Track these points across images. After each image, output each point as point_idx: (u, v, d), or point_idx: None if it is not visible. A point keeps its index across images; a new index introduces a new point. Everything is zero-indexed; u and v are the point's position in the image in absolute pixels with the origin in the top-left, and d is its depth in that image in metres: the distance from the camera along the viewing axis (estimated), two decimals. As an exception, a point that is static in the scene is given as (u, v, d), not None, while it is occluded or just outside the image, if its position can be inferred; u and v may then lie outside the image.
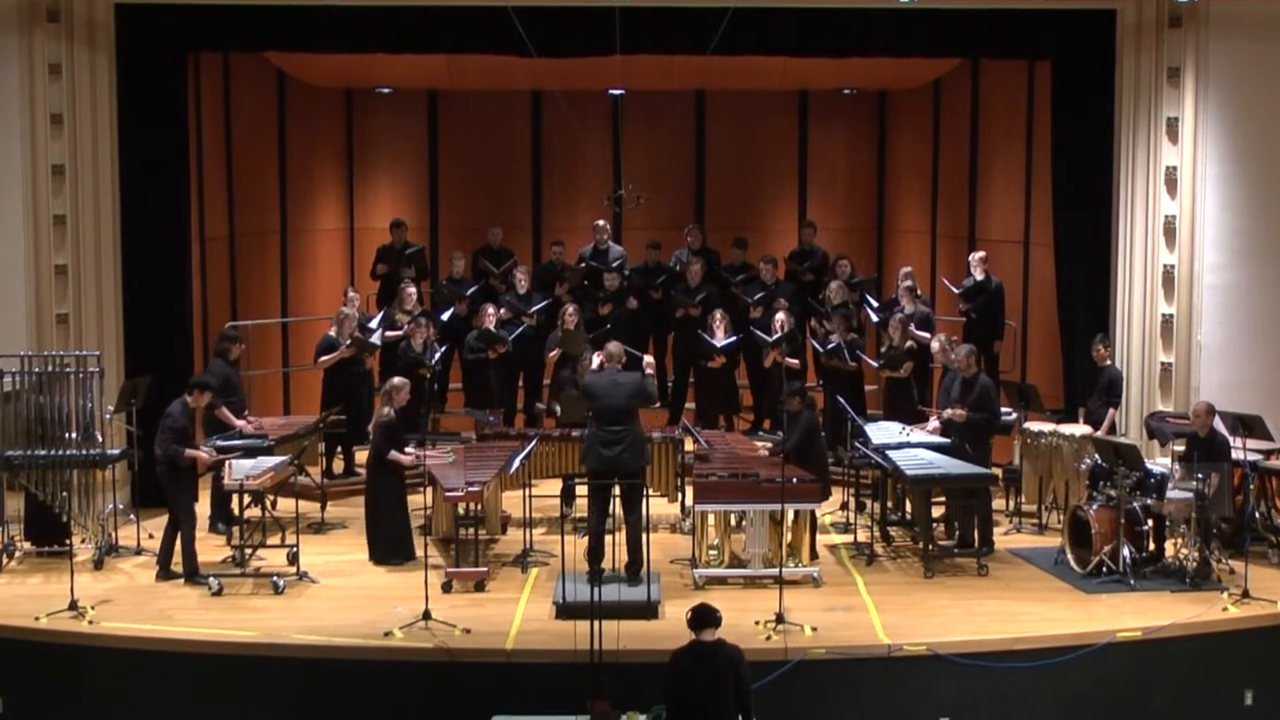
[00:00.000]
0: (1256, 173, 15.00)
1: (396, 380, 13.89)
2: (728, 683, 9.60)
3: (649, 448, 13.50)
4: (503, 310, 16.90)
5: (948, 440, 14.20)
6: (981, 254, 16.93)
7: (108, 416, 14.00)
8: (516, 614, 12.28)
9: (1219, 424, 13.28)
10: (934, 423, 14.62)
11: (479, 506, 13.49)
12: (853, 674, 11.43)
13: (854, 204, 20.56)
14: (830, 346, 16.18)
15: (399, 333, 16.42)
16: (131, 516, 14.30)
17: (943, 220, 19.38)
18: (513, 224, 19.50)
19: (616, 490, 12.80)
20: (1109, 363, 14.92)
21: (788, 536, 13.14)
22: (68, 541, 13.40)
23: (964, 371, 14.28)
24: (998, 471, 14.82)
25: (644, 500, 12.73)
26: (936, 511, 14.18)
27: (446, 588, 12.81)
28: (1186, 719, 11.89)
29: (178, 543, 13.13)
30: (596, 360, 14.08)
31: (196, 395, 13.48)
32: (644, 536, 12.71)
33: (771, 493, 12.78)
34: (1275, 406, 14.33)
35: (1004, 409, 15.33)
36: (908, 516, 14.61)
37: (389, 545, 13.64)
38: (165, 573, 13.15)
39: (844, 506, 15.18)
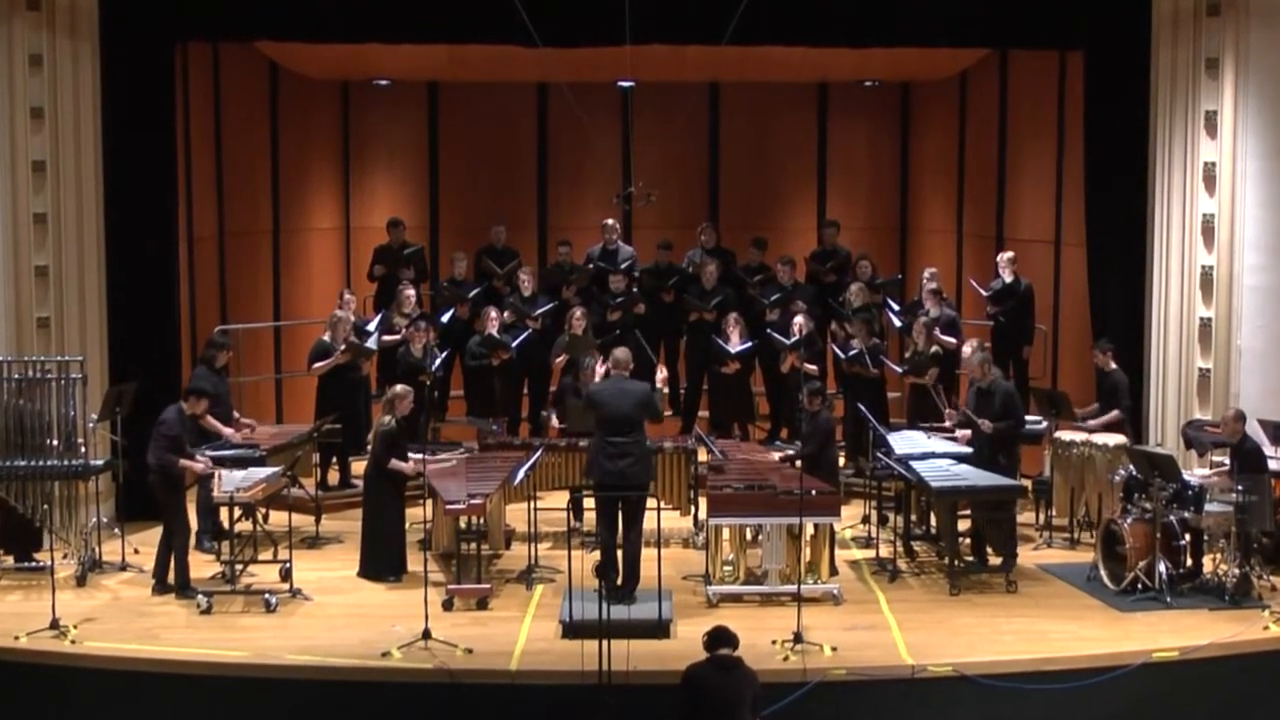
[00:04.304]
0: (1300, 169, 15.00)
1: (399, 388, 13.91)
2: (747, 698, 9.69)
3: (655, 461, 13.51)
4: (506, 314, 16.92)
5: (972, 450, 14.22)
6: (1010, 254, 16.97)
7: (91, 425, 14.02)
8: (521, 633, 12.31)
9: (1257, 430, 13.27)
10: (965, 431, 14.61)
11: (481, 520, 13.51)
12: (874, 696, 11.44)
13: (876, 202, 20.58)
14: (852, 353, 16.19)
15: (397, 337, 16.47)
16: (116, 530, 14.33)
17: (969, 219, 19.40)
18: (517, 222, 19.53)
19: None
20: (1114, 367, 14.95)
21: (806, 551, 13.17)
22: (34, 557, 13.53)
23: (979, 380, 14.25)
24: (1026, 483, 14.82)
25: (644, 516, 12.81)
26: (963, 525, 14.17)
27: (447, 605, 12.84)
28: (1226, 743, 11.92)
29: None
30: (601, 368, 14.12)
31: (193, 402, 13.55)
32: (642, 555, 12.79)
33: (789, 505, 12.80)
34: (1319, 414, 14.33)
35: (1034, 417, 15.35)
36: (932, 530, 14.62)
37: (381, 560, 13.68)
38: (162, 586, 13.20)
39: (865, 520, 15.20)
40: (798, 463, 13.88)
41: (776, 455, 15.19)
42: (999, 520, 13.78)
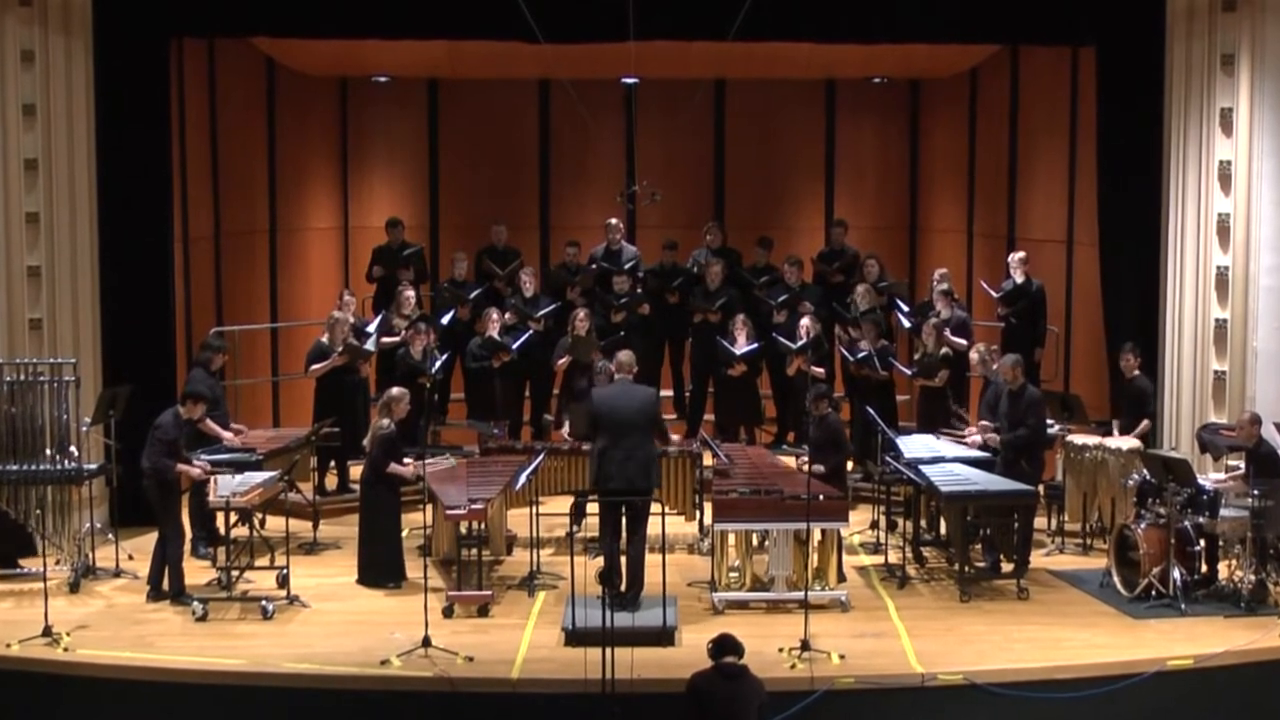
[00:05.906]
0: (1317, 167, 14.97)
1: (395, 391, 13.92)
2: (753, 707, 9.69)
3: (659, 467, 13.50)
4: (508, 315, 16.91)
5: (987, 455, 14.21)
6: (1022, 254, 16.94)
7: (84, 429, 14.03)
8: (523, 641, 12.30)
9: (1274, 434, 13.25)
10: (974, 436, 14.61)
11: (482, 525, 13.51)
12: (883, 705, 11.42)
13: (884, 201, 20.58)
14: (860, 355, 16.17)
15: (396, 339, 16.46)
16: (110, 536, 14.33)
17: (980, 218, 19.39)
18: (518, 222, 19.54)
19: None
20: (1138, 373, 14.92)
21: (814, 557, 13.15)
22: (20, 564, 13.54)
23: (1011, 383, 14.23)
24: (1039, 488, 14.80)
25: (648, 521, 12.82)
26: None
27: (448, 612, 12.84)
28: (1241, 753, 11.91)
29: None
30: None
31: (190, 406, 13.53)
32: (646, 560, 12.77)
33: (796, 511, 12.79)
34: (1337, 417, 14.31)
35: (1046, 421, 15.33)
36: (942, 536, 14.61)
37: (380, 566, 13.69)
38: (157, 593, 13.21)
39: (874, 526, 15.19)
40: (809, 466, 13.81)
41: (794, 463, 15.17)
42: (1005, 525, 13.77)
